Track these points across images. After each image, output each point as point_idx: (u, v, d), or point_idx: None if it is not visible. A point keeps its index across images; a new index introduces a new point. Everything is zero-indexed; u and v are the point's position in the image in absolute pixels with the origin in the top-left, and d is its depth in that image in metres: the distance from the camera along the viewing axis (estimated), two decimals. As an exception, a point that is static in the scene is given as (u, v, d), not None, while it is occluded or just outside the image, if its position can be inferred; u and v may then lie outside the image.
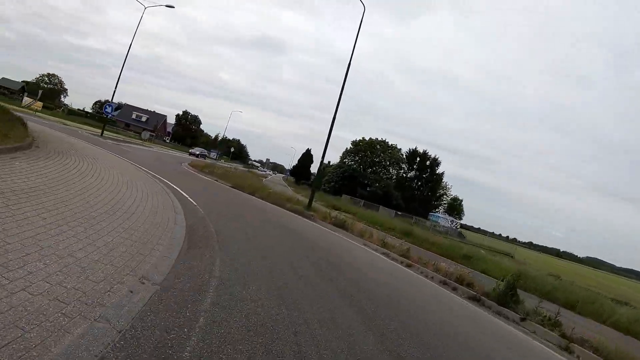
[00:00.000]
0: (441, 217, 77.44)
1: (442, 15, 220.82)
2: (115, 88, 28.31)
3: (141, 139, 37.54)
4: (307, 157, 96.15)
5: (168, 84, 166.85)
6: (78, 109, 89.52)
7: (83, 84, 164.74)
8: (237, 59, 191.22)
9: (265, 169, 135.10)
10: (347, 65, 19.80)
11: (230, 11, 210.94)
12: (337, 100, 19.69)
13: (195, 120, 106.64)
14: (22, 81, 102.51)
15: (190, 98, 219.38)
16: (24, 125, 12.98)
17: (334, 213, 20.35)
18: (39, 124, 20.60)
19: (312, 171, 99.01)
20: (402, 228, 24.41)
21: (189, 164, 27.81)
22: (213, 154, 77.22)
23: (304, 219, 17.18)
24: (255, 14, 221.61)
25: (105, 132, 36.16)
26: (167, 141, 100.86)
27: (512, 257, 42.22)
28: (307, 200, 20.74)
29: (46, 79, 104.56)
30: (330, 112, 19.62)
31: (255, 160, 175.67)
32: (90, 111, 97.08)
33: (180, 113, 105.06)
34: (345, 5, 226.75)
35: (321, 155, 21.95)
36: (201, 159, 43.51)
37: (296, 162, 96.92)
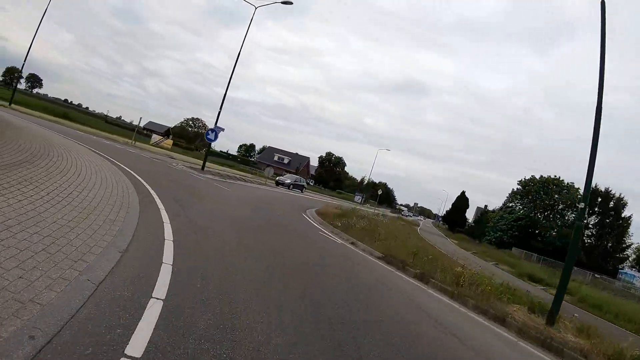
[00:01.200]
0: (637, 276, 54.05)
1: (583, 39, 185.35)
2: (220, 109, 21.46)
3: (264, 176, 30.02)
4: (461, 200, 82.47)
5: (314, 131, 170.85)
6: (221, 151, 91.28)
7: (231, 129, 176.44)
8: (381, 103, 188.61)
9: (411, 213, 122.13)
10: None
11: (371, 57, 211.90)
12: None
13: (339, 163, 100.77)
14: (167, 126, 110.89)
15: (335, 143, 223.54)
16: None
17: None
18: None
19: (467, 216, 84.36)
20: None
21: (316, 212, 18.83)
22: (357, 198, 68.85)
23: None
24: (395, 59, 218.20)
25: (213, 164, 30.39)
26: (310, 184, 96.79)
27: None
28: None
29: (190, 122, 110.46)
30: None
31: (402, 205, 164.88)
32: (235, 154, 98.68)
33: (324, 155, 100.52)
34: (480, 43, 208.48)
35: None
36: (334, 204, 35.53)
37: (449, 207, 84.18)
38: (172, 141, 54.07)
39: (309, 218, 16.38)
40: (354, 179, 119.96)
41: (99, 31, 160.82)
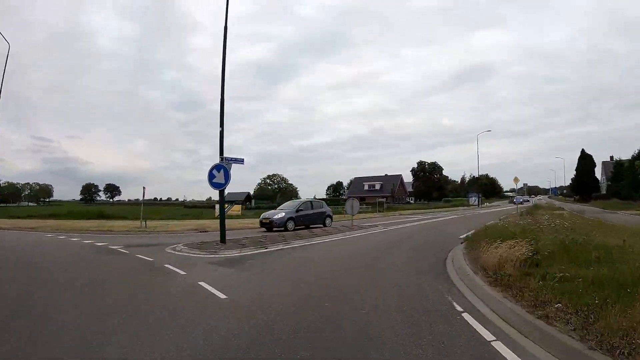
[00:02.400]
0: None
1: None
2: (221, 142, 11.74)
3: (348, 216, 20.15)
4: (585, 161, 65.49)
5: (397, 150, 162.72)
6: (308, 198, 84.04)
7: (316, 176, 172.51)
8: (451, 100, 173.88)
9: (525, 197, 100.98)
10: None
11: (425, 59, 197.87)
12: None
13: (436, 168, 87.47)
14: (247, 192, 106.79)
15: (422, 154, 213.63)
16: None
17: None
18: None
19: (597, 177, 66.18)
20: None
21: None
22: (473, 199, 55.71)
23: None
24: (448, 51, 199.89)
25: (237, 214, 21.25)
26: (411, 202, 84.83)
27: None
28: None
29: (268, 180, 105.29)
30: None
31: (508, 191, 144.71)
32: (324, 197, 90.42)
33: (416, 166, 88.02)
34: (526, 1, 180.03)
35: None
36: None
37: (561, 176, 67.70)
38: (240, 207, 46.98)
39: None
40: (455, 182, 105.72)
41: (167, 128, 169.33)
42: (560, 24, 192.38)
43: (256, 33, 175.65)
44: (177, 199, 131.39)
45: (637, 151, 47.08)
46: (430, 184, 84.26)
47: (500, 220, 15.65)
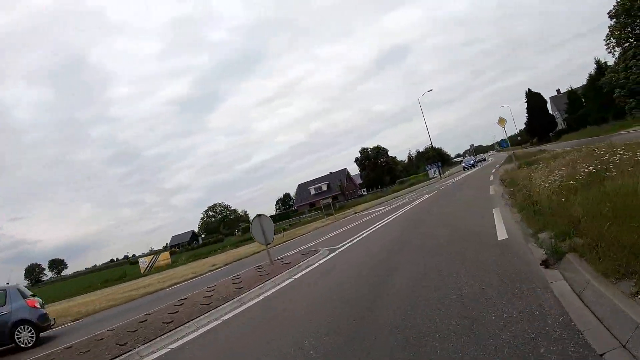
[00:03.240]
0: None
1: None
2: None
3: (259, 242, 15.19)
4: (534, 98, 60.27)
5: (341, 147, 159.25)
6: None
7: (267, 194, 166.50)
8: (377, 85, 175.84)
9: (473, 158, 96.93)
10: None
11: (343, 52, 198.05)
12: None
13: (380, 152, 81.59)
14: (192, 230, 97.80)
15: (365, 144, 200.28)
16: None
17: None
18: None
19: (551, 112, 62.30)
20: None
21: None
22: (433, 171, 48.49)
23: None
24: (364, 38, 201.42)
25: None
26: (364, 193, 78.14)
27: None
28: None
29: (209, 212, 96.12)
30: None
31: (455, 158, 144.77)
32: (274, 213, 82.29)
33: (359, 154, 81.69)
34: None
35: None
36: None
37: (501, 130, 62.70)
38: (168, 254, 37.95)
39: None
40: (403, 162, 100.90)
41: (108, 185, 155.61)
42: None
43: (174, 68, 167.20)
44: (133, 255, 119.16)
45: (592, 72, 42.23)
46: (379, 169, 78.45)
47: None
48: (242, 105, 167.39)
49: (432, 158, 67.61)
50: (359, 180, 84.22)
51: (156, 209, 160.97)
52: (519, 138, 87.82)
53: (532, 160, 16.32)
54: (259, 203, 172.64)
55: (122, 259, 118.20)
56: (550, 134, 57.89)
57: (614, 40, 35.40)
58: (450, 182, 26.11)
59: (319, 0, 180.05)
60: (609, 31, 35.28)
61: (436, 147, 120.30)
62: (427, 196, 18.71)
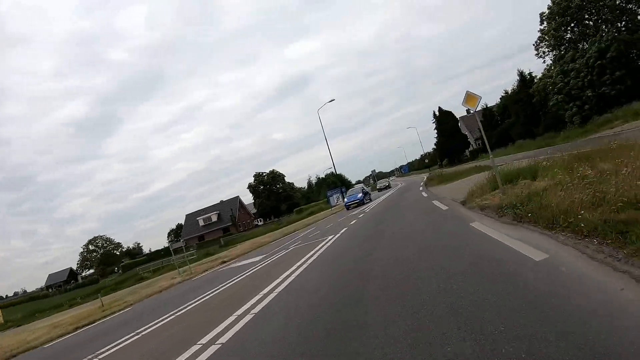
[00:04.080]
0: None
1: None
2: None
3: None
4: (447, 118, 59.25)
5: (239, 176, 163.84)
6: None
7: (166, 223, 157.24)
8: (278, 113, 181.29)
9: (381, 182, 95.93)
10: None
11: (245, 80, 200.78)
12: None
13: (277, 177, 76.47)
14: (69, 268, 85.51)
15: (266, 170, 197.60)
16: None
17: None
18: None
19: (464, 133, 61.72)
20: None
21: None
22: (334, 198, 41.92)
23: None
24: (266, 66, 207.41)
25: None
26: (259, 223, 72.03)
27: None
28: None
29: (90, 246, 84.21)
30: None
31: (356, 183, 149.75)
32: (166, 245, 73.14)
33: (252, 181, 75.77)
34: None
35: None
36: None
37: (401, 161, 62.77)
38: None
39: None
40: (302, 189, 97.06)
41: None
42: (367, 21, 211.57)
43: (71, 87, 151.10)
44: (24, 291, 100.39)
45: (512, 87, 41.32)
46: (274, 196, 73.10)
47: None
48: (140, 130, 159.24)
49: (332, 184, 64.43)
50: (254, 209, 78.40)
51: (51, 241, 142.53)
52: (427, 161, 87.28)
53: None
54: (154, 234, 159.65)
55: (12, 295, 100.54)
56: (466, 154, 57.71)
57: (545, 44, 33.62)
58: (356, 212, 21.27)
59: (223, 25, 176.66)
60: (540, 34, 33.51)
61: (338, 173, 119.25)
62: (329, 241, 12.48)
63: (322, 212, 41.39)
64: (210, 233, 65.66)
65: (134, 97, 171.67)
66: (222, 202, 71.36)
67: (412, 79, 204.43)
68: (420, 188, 24.35)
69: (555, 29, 31.58)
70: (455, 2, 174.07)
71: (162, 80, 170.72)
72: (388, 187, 55.07)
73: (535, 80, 35.53)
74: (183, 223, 73.03)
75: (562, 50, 32.05)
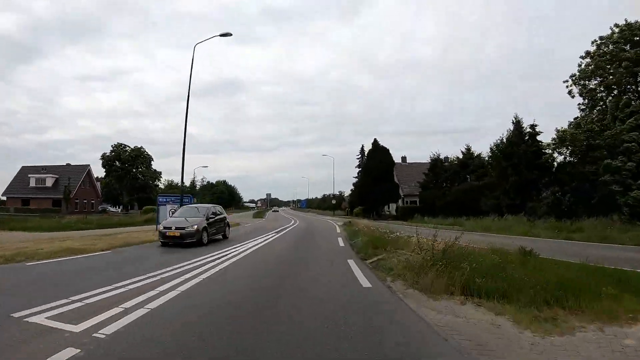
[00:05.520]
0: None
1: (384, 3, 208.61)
2: None
3: None
4: (383, 155, 49.00)
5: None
6: None
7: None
8: (200, 109, 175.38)
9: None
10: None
11: (180, 66, 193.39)
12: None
13: (141, 158, 61.25)
14: None
15: (163, 161, 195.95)
16: None
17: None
18: None
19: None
20: None
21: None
22: (165, 211, 25.61)
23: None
24: (204, 60, 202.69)
25: None
26: (110, 209, 57.39)
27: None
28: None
29: None
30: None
31: (249, 202, 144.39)
32: None
33: (109, 150, 60.12)
34: (288, 27, 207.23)
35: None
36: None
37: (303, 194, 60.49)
38: None
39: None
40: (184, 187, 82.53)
41: None
42: (317, 53, 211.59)
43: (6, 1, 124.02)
44: None
45: (505, 135, 31.50)
46: (129, 182, 57.87)
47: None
48: (59, 72, 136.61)
49: (219, 194, 52.81)
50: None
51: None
52: (334, 202, 76.54)
53: None
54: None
55: None
56: (387, 209, 49.96)
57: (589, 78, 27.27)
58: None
59: (181, 3, 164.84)
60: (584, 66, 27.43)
61: (232, 185, 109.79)
62: None
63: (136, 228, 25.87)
64: (37, 200, 50.65)
65: (66, 35, 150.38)
66: (69, 165, 56.11)
67: (337, 122, 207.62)
68: (341, 243, 16.06)
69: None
70: (402, 69, 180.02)
71: (100, 29, 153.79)
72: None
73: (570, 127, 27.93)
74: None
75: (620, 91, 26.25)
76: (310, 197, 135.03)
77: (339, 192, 75.90)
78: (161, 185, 64.69)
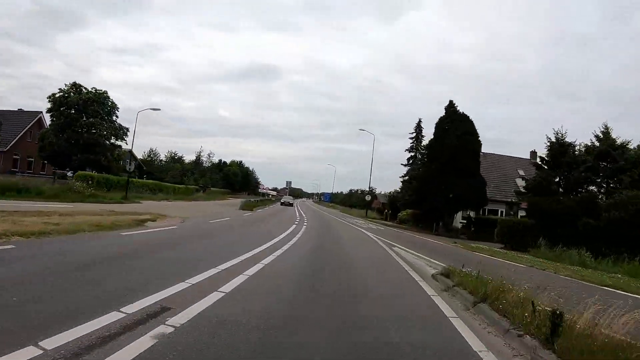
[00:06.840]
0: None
1: (428, 6, 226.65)
2: None
3: None
4: (454, 124, 30.71)
5: (171, 132, 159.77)
6: None
7: None
8: (232, 92, 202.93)
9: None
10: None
11: (216, 46, 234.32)
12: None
13: (99, 102, 36.93)
14: None
15: (192, 141, 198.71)
16: None
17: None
18: None
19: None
20: None
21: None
22: None
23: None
24: (240, 44, 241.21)
25: None
26: (67, 174, 39.35)
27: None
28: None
29: None
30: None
31: (269, 189, 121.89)
32: None
33: (64, 87, 36.73)
34: (326, 20, 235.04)
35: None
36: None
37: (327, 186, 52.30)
38: None
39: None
40: (184, 164, 70.97)
41: None
42: (352, 48, 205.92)
43: None
44: None
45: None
46: (75, 135, 33.85)
47: None
48: (97, 42, 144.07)
49: (232, 175, 40.24)
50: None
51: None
52: (368, 197, 58.59)
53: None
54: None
55: None
56: (455, 221, 33.82)
57: None
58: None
59: None
60: None
61: (251, 169, 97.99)
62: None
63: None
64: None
65: (106, 6, 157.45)
66: (21, 110, 41.81)
67: (366, 120, 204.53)
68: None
69: None
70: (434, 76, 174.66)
71: (140, 3, 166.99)
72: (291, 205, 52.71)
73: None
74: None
75: None
76: (334, 191, 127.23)
77: (370, 188, 59.70)
78: (125, 147, 41.93)
